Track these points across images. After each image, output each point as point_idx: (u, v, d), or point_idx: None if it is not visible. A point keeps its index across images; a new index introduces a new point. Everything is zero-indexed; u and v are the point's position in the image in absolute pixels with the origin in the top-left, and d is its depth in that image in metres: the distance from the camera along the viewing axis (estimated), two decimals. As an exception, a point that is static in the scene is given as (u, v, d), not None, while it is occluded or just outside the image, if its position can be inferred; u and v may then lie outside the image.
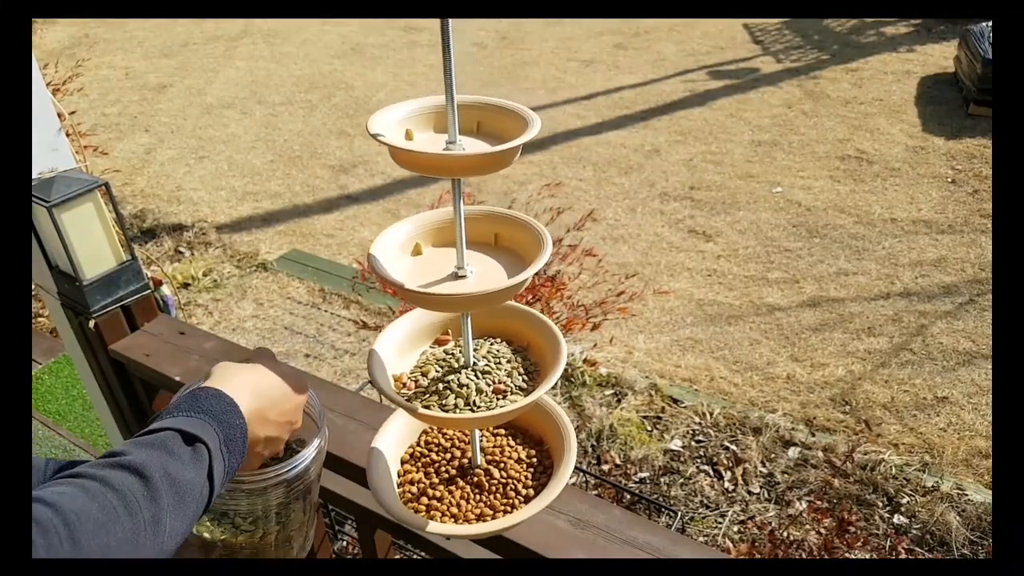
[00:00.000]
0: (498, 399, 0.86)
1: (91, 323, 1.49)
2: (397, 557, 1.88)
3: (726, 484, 2.84)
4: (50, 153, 1.41)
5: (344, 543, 2.40)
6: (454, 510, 0.92)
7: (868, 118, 5.79)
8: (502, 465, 0.97)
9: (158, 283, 3.15)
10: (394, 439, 0.99)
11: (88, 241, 1.43)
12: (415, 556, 2.18)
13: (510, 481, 0.95)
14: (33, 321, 3.71)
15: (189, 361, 1.48)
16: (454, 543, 1.21)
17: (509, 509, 0.92)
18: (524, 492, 0.94)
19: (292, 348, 3.72)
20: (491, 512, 0.92)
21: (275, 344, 3.76)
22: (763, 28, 7.83)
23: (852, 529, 2.35)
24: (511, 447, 1.00)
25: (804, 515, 2.65)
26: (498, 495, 0.94)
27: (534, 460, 0.99)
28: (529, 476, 0.96)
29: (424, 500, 0.93)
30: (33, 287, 1.68)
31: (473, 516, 0.92)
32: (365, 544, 1.39)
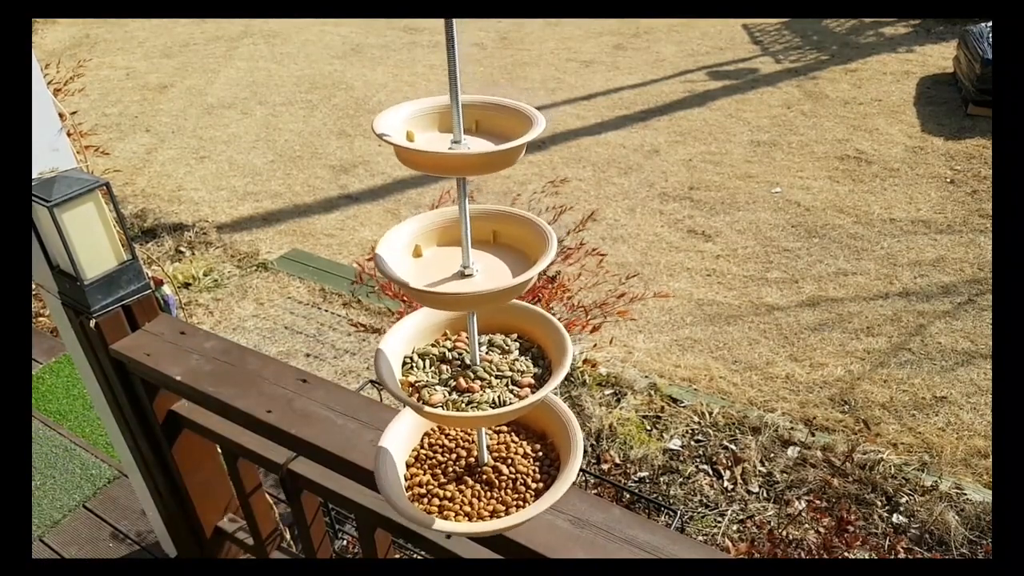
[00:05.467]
0: (509, 396, 0.87)
1: (92, 323, 1.49)
2: (397, 556, 1.88)
3: (725, 483, 2.85)
4: (51, 153, 1.41)
5: (344, 542, 2.40)
6: (467, 508, 0.92)
7: (867, 118, 5.80)
8: (509, 461, 0.97)
9: (159, 283, 3.15)
10: (398, 442, 0.99)
11: (89, 241, 1.43)
12: (415, 555, 2.19)
13: (519, 476, 0.95)
14: (34, 321, 3.71)
15: (190, 361, 1.48)
16: (454, 542, 1.21)
17: (522, 503, 0.93)
18: (534, 486, 0.95)
19: (292, 348, 3.72)
20: (503, 508, 0.92)
21: (275, 344, 3.76)
22: (762, 28, 7.83)
23: (851, 528, 2.35)
24: (516, 443, 1.01)
25: (803, 514, 2.65)
26: (509, 491, 0.94)
27: (540, 454, 0.99)
28: (536, 470, 0.97)
29: (436, 501, 0.93)
30: (34, 287, 1.68)
31: (487, 513, 0.92)
32: (365, 543, 1.39)
